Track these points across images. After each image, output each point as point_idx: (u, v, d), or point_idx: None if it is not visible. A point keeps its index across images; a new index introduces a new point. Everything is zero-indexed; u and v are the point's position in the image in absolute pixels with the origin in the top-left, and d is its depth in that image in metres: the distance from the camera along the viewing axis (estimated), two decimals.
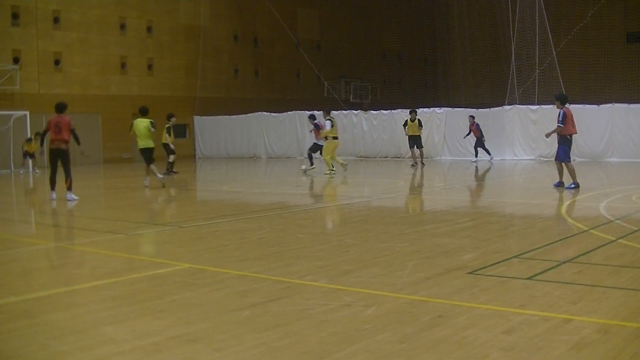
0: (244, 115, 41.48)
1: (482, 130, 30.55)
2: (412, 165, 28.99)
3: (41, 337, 6.06)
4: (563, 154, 18.12)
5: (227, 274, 8.35)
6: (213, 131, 42.80)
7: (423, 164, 28.90)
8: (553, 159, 19.37)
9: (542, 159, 30.91)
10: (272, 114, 40.55)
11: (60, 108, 18.98)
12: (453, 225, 12.12)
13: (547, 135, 19.96)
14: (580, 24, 39.11)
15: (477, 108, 33.51)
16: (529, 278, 7.74)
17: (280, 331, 5.94)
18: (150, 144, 21.95)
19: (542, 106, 31.87)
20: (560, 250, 9.61)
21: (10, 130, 33.86)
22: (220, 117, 42.89)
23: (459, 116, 33.55)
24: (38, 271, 9.39)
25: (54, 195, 18.75)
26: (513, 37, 36.97)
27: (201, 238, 11.68)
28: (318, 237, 11.26)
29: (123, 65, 41.91)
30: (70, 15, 39.26)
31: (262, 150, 40.36)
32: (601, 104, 31.08)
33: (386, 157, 35.17)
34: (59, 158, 18.74)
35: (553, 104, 19.56)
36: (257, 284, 7.76)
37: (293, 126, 39.05)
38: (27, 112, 34.05)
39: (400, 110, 35.54)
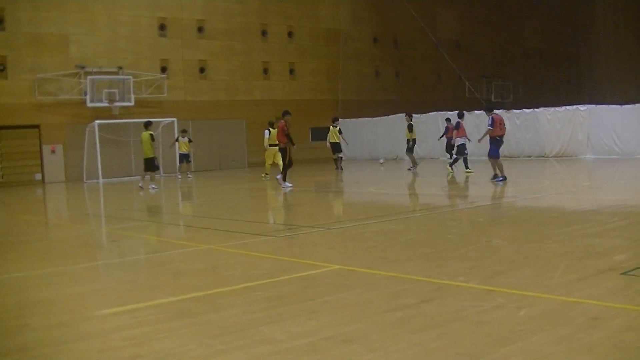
0: (387, 116, 41.51)
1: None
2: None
3: (200, 336, 6.25)
4: (493, 152, 21.50)
5: (378, 275, 8.42)
6: (356, 133, 42.97)
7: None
8: None
9: None
10: (414, 115, 40.36)
11: (282, 114, 23.40)
12: (603, 225, 11.84)
13: (480, 140, 23.05)
14: None
15: (622, 104, 32.44)
16: None
17: (435, 332, 5.94)
18: (150, 154, 26.24)
19: None
20: None
21: (160, 136, 34.98)
22: (363, 119, 43.07)
23: (604, 113, 32.57)
24: (193, 272, 9.63)
25: (284, 185, 23.10)
26: None
27: (350, 240, 11.79)
28: (466, 237, 11.20)
29: (265, 71, 42.71)
30: (214, 25, 40.35)
31: (405, 151, 40.28)
32: None
33: (529, 157, 34.55)
34: (281, 154, 23.43)
35: None
36: (408, 285, 7.78)
37: (436, 127, 38.70)
38: (175, 119, 35.18)
39: (543, 108, 34.85)
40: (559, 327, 5.92)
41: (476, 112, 37.17)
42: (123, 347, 6.03)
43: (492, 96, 53.24)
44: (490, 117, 21.79)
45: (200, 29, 40.04)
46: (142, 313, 7.20)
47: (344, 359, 5.46)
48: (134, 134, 35.47)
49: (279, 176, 23.65)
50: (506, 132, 25.19)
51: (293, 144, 23.34)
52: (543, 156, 34.23)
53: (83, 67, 35.51)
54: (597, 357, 5.21)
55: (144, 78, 37.33)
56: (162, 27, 38.69)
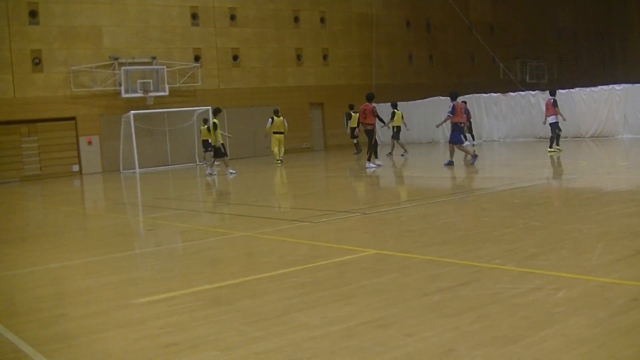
0: (421, 100, 41.30)
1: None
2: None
3: (236, 322, 6.25)
4: (455, 138, 23.11)
5: (414, 259, 8.38)
6: (390, 117, 42.79)
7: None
8: None
9: None
10: (448, 98, 40.15)
11: (367, 98, 24.63)
12: None
13: (438, 125, 26.92)
14: None
15: None
16: None
17: (472, 315, 5.89)
18: (213, 142, 27.38)
19: None
20: None
21: (195, 125, 35.19)
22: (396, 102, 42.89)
23: None
24: (228, 260, 9.67)
25: (376, 163, 24.62)
26: None
27: (386, 224, 11.77)
28: (503, 220, 11.11)
29: (299, 57, 42.68)
30: (245, 12, 40.40)
31: (439, 135, 40.13)
32: None
33: (566, 138, 34.21)
34: (368, 136, 24.27)
35: None
36: (444, 268, 7.74)
37: (470, 110, 38.52)
38: (210, 108, 35.25)
39: (578, 89, 34.49)
40: (597, 309, 5.84)
41: (511, 94, 36.98)
42: (159, 335, 6.05)
43: (527, 77, 52.84)
44: (452, 104, 23.22)
45: (232, 17, 40.09)
46: (178, 301, 7.23)
47: (380, 343, 5.41)
48: (169, 124, 35.70)
49: (368, 165, 24.18)
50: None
51: (384, 123, 25.53)
52: (579, 137, 33.90)
53: (117, 59, 35.72)
54: (637, 340, 5.14)
55: (178, 67, 37.49)
56: (194, 16, 38.79)
